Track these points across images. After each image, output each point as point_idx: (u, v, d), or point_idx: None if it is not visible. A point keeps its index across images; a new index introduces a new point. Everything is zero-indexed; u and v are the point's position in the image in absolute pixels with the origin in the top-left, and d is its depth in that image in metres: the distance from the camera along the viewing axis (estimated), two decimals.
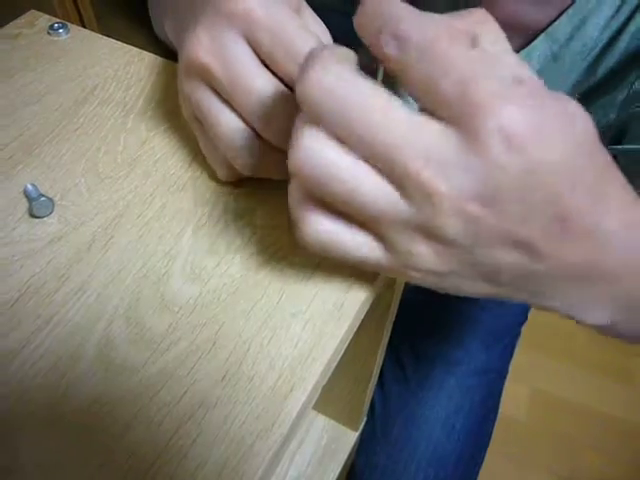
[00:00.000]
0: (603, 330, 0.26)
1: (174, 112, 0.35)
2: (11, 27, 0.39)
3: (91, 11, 1.06)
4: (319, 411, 0.57)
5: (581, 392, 1.23)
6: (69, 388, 0.23)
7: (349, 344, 0.27)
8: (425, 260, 0.22)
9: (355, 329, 0.27)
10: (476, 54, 0.19)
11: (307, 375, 0.24)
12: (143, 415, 0.23)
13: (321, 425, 0.57)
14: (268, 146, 0.27)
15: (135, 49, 0.39)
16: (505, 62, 0.20)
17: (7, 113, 0.34)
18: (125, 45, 0.39)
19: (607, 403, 1.22)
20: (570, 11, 0.40)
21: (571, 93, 0.44)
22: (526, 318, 0.73)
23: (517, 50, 0.43)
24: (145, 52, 0.39)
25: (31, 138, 0.33)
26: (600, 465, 1.14)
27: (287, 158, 0.21)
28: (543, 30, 0.41)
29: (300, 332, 0.25)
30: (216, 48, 0.26)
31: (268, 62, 0.26)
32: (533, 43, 0.42)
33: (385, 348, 0.44)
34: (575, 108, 0.20)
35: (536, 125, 0.19)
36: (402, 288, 0.36)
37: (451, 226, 0.20)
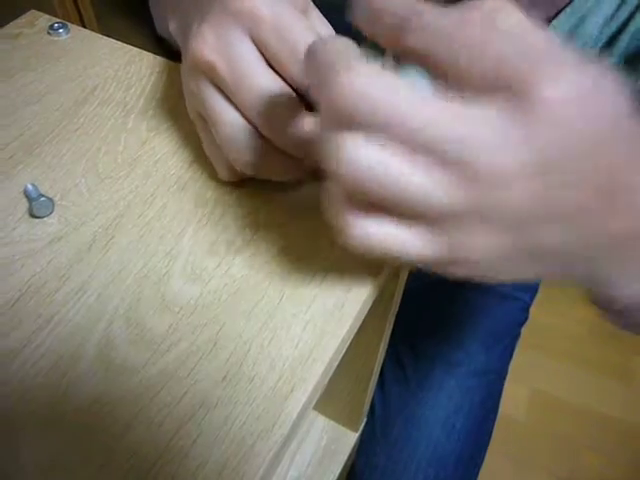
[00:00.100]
0: (629, 308, 0.26)
1: (175, 112, 0.35)
2: (11, 27, 0.39)
3: (91, 11, 1.06)
4: (319, 412, 0.57)
5: (580, 392, 1.23)
6: (70, 387, 0.23)
7: (349, 344, 0.28)
8: (478, 248, 0.21)
9: (356, 329, 0.27)
10: (505, 33, 0.19)
11: (308, 376, 0.24)
12: (144, 415, 0.23)
13: (321, 426, 0.57)
14: (270, 146, 0.27)
15: (135, 49, 0.39)
16: (536, 37, 0.20)
17: (7, 113, 0.34)
18: (125, 45, 0.39)
19: (606, 404, 1.22)
20: (568, 9, 0.40)
21: None
22: (526, 319, 0.73)
23: None
24: (145, 52, 0.39)
25: (31, 138, 0.33)
26: (599, 465, 1.14)
27: (289, 159, 0.21)
28: None
29: (301, 333, 0.25)
30: (221, 46, 0.26)
31: (273, 62, 0.26)
32: None
33: (386, 347, 0.44)
34: (614, 76, 0.20)
35: (588, 89, 0.19)
36: (404, 281, 0.36)
37: (516, 200, 0.20)
